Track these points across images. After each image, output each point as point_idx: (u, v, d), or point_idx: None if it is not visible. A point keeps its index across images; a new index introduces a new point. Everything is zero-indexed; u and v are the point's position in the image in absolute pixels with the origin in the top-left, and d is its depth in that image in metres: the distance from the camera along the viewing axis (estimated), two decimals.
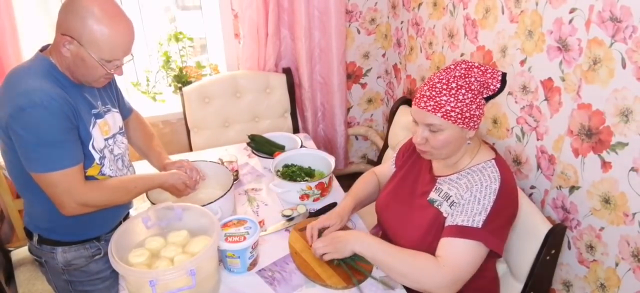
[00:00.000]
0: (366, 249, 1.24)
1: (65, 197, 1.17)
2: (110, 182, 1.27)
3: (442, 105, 1.16)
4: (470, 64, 1.20)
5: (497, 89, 1.18)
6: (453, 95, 1.15)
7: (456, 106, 1.15)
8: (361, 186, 1.56)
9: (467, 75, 1.17)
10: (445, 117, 1.16)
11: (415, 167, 1.40)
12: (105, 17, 1.12)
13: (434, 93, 1.17)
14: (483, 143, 1.30)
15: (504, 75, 1.19)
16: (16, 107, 1.09)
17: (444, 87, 1.16)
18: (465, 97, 1.15)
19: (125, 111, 1.51)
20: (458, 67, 1.19)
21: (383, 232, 1.48)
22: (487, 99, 1.21)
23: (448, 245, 1.17)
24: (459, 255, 1.15)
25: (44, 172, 1.14)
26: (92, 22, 1.11)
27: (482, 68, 1.19)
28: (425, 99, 1.18)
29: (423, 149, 1.25)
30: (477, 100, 1.17)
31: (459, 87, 1.16)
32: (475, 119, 1.18)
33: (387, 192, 1.47)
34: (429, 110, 1.17)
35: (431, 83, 1.19)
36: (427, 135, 1.21)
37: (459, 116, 1.16)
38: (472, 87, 1.16)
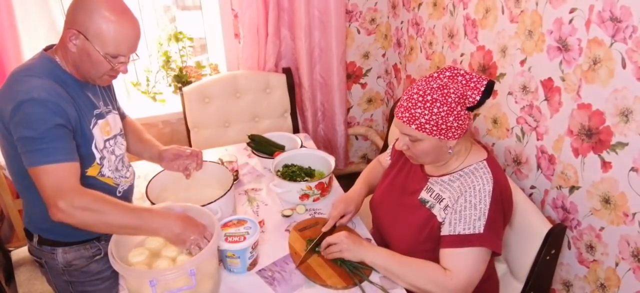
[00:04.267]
0: (378, 260, 1.26)
1: (55, 192, 1.10)
2: (105, 195, 1.17)
3: (417, 117, 1.16)
4: (455, 71, 1.18)
5: (476, 101, 1.16)
6: (427, 108, 1.15)
7: (431, 118, 1.15)
8: (371, 174, 1.61)
9: (445, 87, 1.15)
10: (419, 129, 1.16)
11: (408, 163, 1.40)
12: (111, 12, 1.14)
13: (410, 105, 1.17)
14: (475, 143, 1.30)
15: (489, 84, 1.16)
16: (17, 102, 1.11)
17: (420, 99, 1.16)
18: (441, 110, 1.14)
19: (120, 114, 1.50)
20: (439, 77, 1.18)
21: (376, 229, 1.48)
22: (471, 109, 1.19)
23: (453, 256, 1.18)
24: (467, 264, 1.16)
25: (37, 165, 1.12)
26: (98, 16, 1.14)
27: (466, 77, 1.17)
28: (402, 110, 1.19)
29: (408, 155, 1.28)
30: (455, 112, 1.16)
31: (433, 99, 1.15)
32: (454, 129, 1.17)
33: (381, 189, 1.47)
34: (404, 122, 1.18)
35: (409, 94, 1.19)
36: (407, 144, 1.23)
37: (435, 128, 1.16)
38: (449, 99, 1.15)
